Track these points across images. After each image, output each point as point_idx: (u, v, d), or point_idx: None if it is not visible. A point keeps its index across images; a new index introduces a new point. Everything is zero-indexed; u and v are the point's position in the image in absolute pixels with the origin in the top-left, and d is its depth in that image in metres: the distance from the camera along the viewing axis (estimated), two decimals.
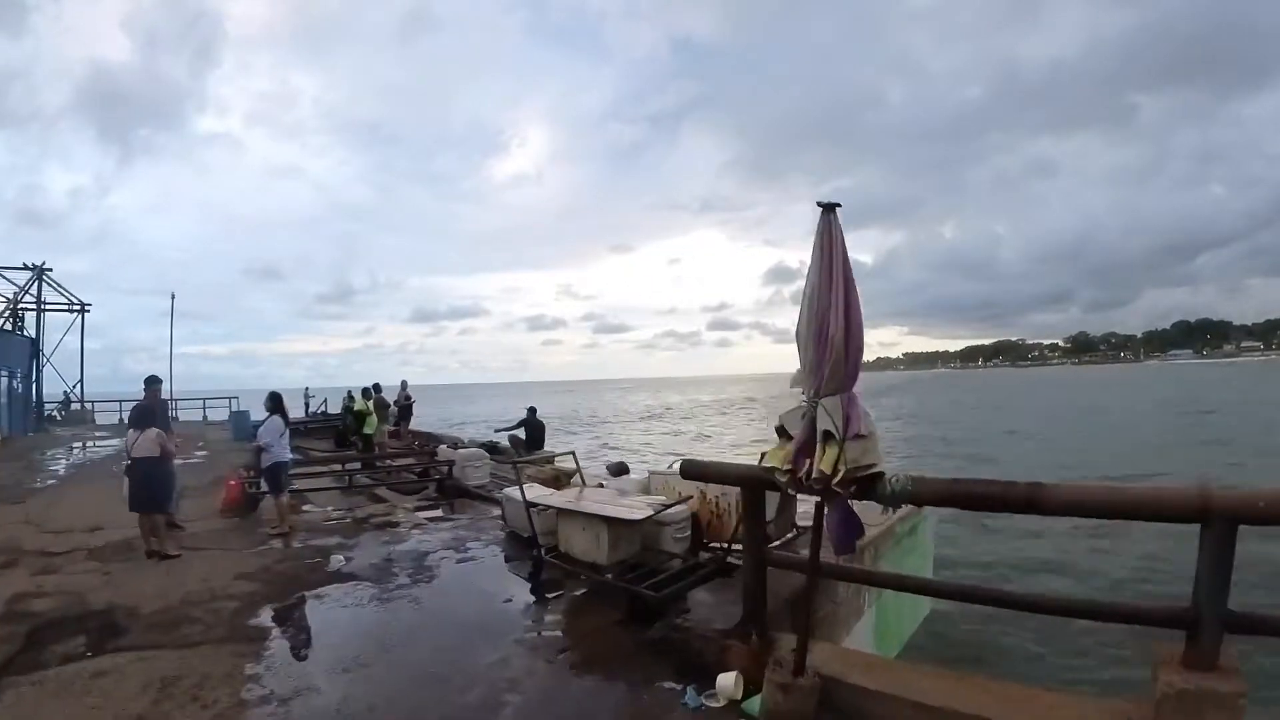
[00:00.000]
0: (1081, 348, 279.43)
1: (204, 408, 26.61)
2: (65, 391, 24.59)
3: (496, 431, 13.07)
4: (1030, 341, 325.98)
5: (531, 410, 12.10)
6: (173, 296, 26.92)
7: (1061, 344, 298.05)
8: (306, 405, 24.29)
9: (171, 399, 22.48)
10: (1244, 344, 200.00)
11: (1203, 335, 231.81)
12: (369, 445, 12.69)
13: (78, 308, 24.01)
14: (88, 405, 25.23)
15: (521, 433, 11.77)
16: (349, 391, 15.36)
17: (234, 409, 23.40)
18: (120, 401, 23.28)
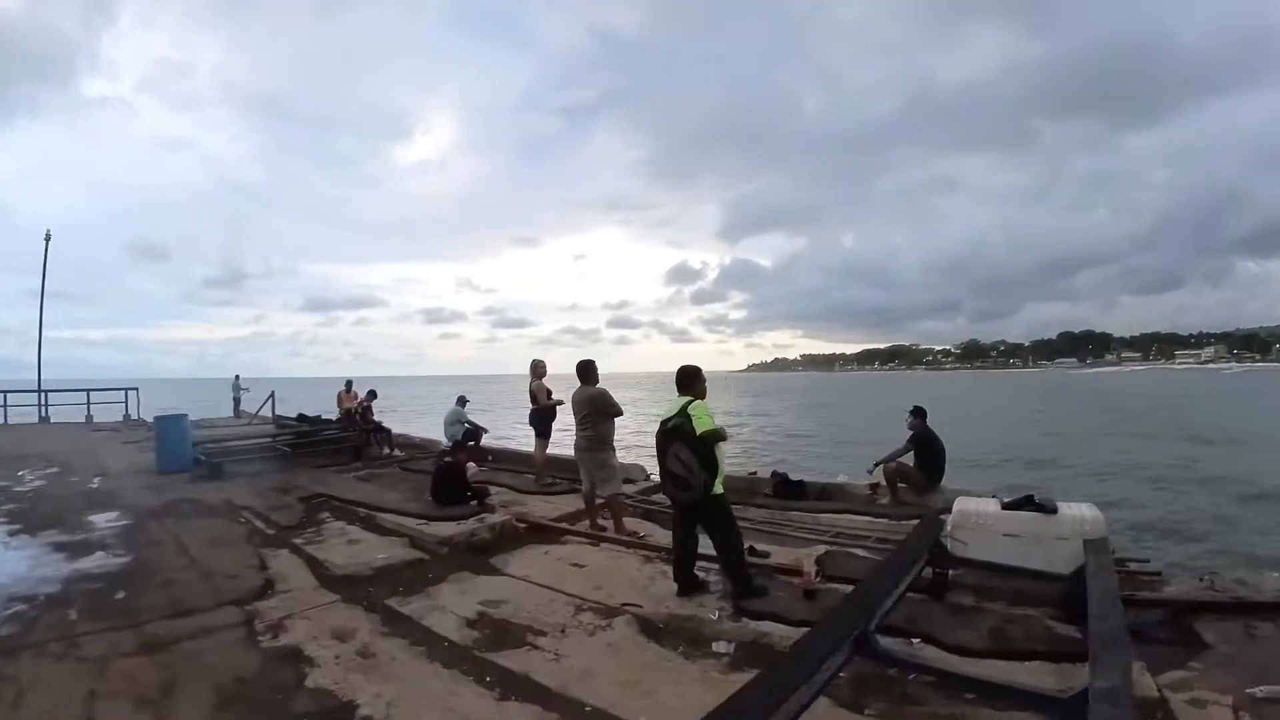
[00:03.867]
0: (973, 354, 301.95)
1: (88, 404, 18.85)
2: None
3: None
4: (924, 347, 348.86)
5: (462, 399, 11.46)
6: (44, 272, 19.67)
7: (954, 350, 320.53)
8: (237, 402, 20.11)
9: (40, 391, 18.04)
10: (1124, 354, 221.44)
11: (1085, 345, 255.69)
12: None
13: None
14: None
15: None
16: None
17: (133, 412, 18.59)
18: None
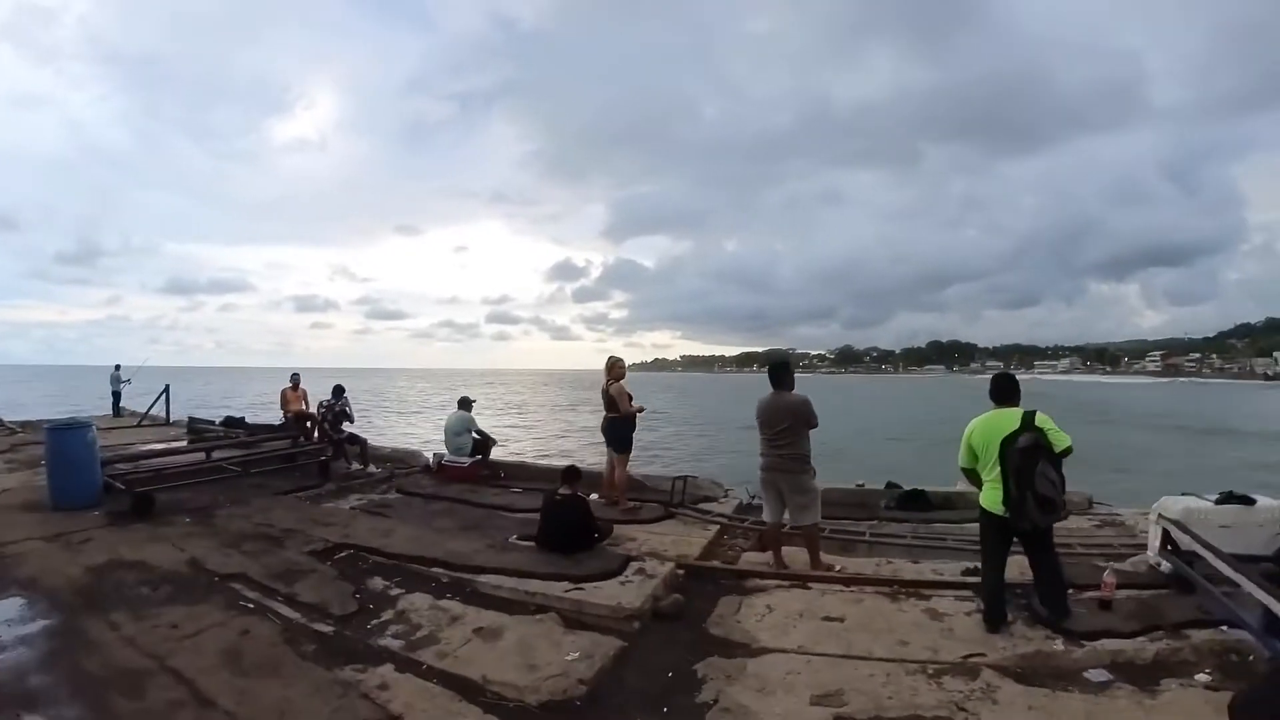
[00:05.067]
0: (847, 359, 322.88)
1: None
2: None
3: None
4: (800, 351, 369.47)
5: (466, 401, 9.04)
6: None
7: (828, 355, 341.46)
8: (117, 398, 15.94)
9: None
10: (988, 363, 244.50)
11: (952, 354, 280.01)
12: None
13: None
14: None
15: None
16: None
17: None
18: None
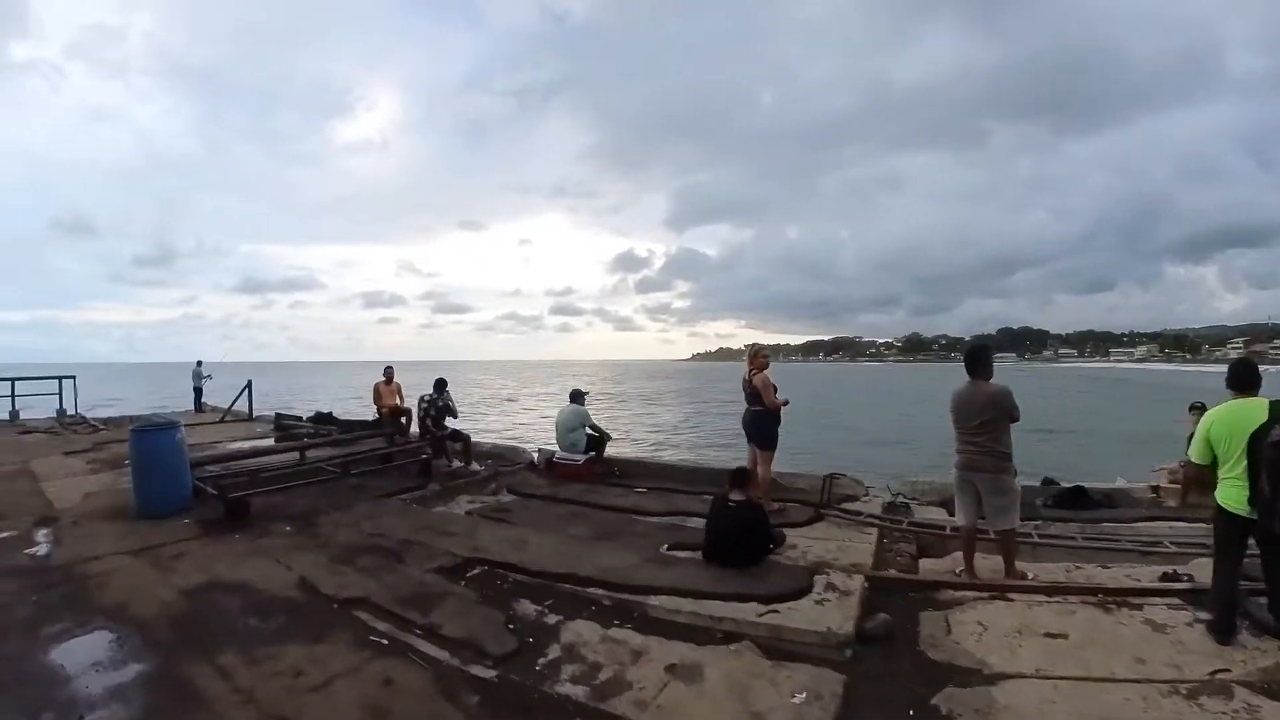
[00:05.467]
0: (915, 347, 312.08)
1: (12, 396, 13.33)
2: None
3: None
4: (867, 339, 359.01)
5: (578, 394, 8.16)
6: None
7: (895, 343, 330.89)
8: (198, 394, 15.40)
9: None
10: (1061, 351, 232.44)
11: (1024, 342, 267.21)
12: None
13: None
14: None
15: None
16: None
17: (69, 406, 13.66)
18: None
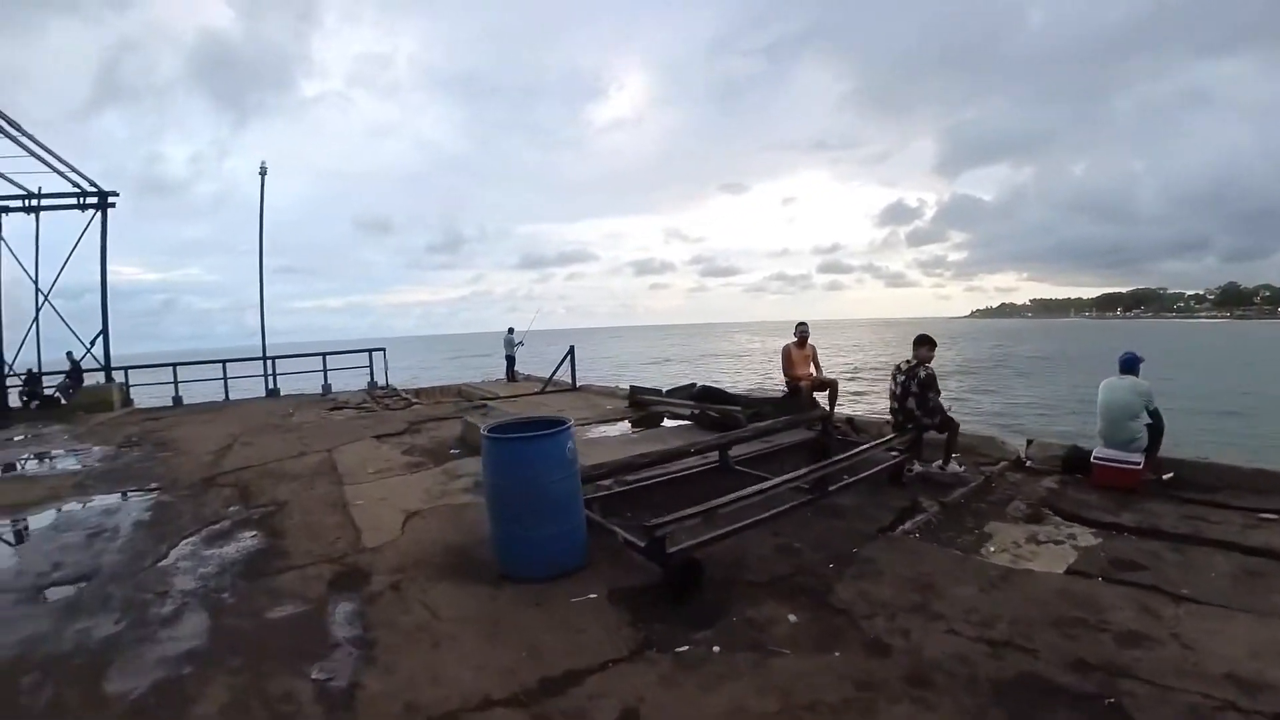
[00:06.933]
0: (1232, 300, 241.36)
1: (324, 370, 13.51)
2: (69, 352, 12.64)
3: None
4: (1172, 291, 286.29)
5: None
6: (260, 251, 14.60)
7: (1207, 295, 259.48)
8: (510, 362, 14.04)
9: (265, 358, 13.85)
10: None
11: None
12: None
13: (93, 199, 11.71)
14: (117, 377, 12.67)
15: None
16: None
17: (379, 379, 13.73)
18: (225, 362, 13.33)
